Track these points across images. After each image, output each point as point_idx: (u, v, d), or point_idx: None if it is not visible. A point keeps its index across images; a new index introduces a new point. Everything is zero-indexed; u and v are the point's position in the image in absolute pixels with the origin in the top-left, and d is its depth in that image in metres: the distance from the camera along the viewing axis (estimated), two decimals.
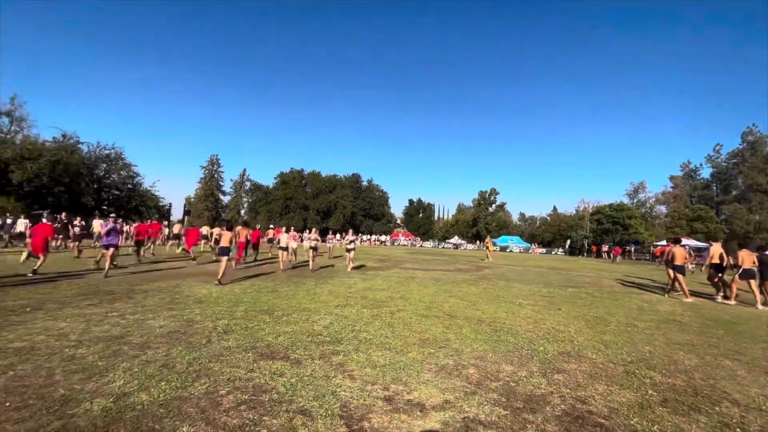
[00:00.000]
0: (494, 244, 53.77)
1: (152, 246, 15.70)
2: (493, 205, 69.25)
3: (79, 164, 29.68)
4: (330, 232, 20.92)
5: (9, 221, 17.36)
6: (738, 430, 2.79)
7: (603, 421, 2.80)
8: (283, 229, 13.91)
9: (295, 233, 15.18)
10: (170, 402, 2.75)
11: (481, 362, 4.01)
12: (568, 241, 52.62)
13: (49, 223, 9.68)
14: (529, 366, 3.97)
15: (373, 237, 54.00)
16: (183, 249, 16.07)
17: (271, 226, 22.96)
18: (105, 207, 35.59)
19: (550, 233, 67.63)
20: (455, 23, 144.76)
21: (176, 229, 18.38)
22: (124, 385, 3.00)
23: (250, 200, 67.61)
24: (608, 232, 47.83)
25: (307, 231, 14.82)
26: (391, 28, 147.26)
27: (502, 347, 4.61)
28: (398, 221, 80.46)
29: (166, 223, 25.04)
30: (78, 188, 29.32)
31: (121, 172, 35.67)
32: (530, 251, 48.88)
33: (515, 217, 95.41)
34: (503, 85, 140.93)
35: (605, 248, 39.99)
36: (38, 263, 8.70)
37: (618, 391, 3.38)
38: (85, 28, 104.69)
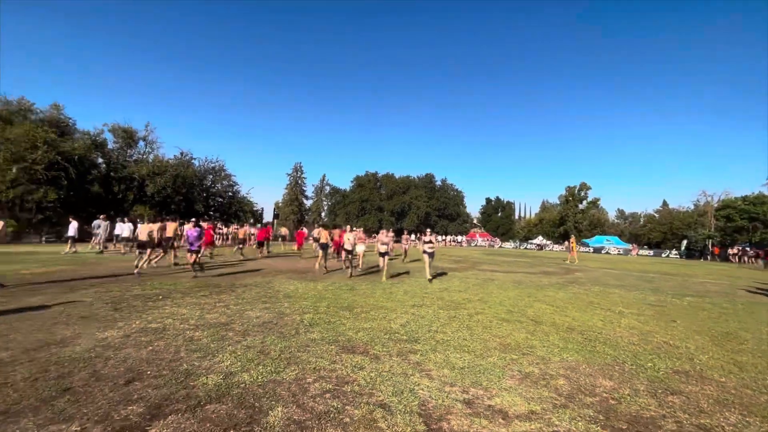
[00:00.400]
0: (586, 245, 48.36)
1: (266, 246, 18.05)
2: (584, 202, 62.07)
3: (193, 177, 35.16)
4: (405, 233, 19.48)
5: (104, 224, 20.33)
6: None
7: None
8: (348, 228, 11.14)
9: (362, 234, 12.53)
10: (267, 384, 3.08)
11: (572, 374, 3.63)
12: (685, 242, 44.43)
13: (211, 226, 12.52)
14: (634, 383, 3.46)
15: (449, 237, 52.93)
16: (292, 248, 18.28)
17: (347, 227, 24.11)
18: (211, 212, 41.68)
19: (659, 232, 58.05)
20: (536, 15, 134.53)
21: (283, 231, 21.19)
22: (230, 365, 3.45)
23: (330, 203, 71.98)
24: (741, 230, 39.10)
25: (381, 232, 11.53)
26: (462, 24, 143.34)
27: (599, 359, 4.10)
28: (475, 221, 77.60)
29: (257, 225, 28.21)
30: (192, 197, 34.81)
31: (224, 181, 41.25)
32: (630, 252, 42.56)
33: (612, 215, 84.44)
34: (594, 71, 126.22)
35: (735, 250, 32.78)
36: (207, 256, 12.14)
37: (759, 424, 2.74)
38: (179, 42, 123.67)
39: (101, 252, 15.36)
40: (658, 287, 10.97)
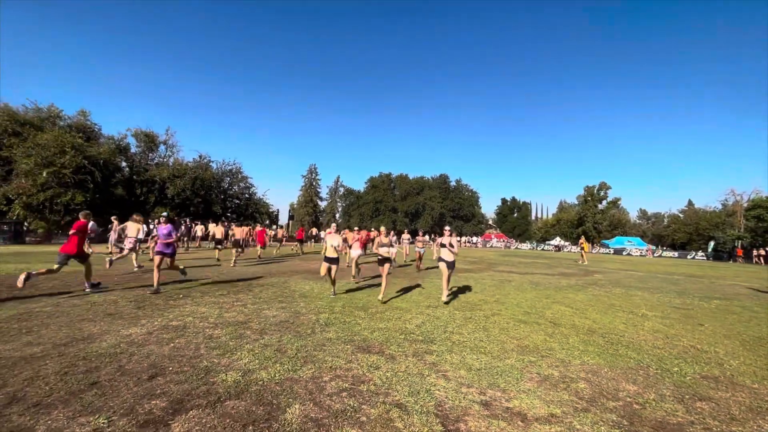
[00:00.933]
0: (606, 246, 46.99)
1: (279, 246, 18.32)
2: (604, 202, 60.37)
3: (211, 179, 35.99)
4: (405, 232, 17.54)
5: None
6: None
7: None
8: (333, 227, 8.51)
9: (360, 234, 10.86)
10: (284, 381, 3.12)
11: (594, 377, 3.53)
12: (712, 243, 42.62)
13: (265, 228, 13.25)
14: (659, 388, 3.33)
15: (464, 239, 52.38)
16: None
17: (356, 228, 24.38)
18: (229, 214, 42.53)
19: (684, 233, 55.91)
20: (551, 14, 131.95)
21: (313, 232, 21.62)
22: (248, 363, 3.51)
23: (344, 205, 72.39)
24: None
25: (380, 231, 7.87)
26: (480, 22, 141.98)
27: (621, 363, 3.98)
28: (490, 222, 76.62)
29: (274, 227, 28.73)
30: (210, 199, 35.64)
31: (240, 183, 42.06)
32: (644, 253, 41.09)
33: (633, 215, 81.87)
34: (614, 70, 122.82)
35: (762, 251, 31.31)
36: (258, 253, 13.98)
37: None
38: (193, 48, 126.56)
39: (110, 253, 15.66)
40: (683, 290, 10.55)
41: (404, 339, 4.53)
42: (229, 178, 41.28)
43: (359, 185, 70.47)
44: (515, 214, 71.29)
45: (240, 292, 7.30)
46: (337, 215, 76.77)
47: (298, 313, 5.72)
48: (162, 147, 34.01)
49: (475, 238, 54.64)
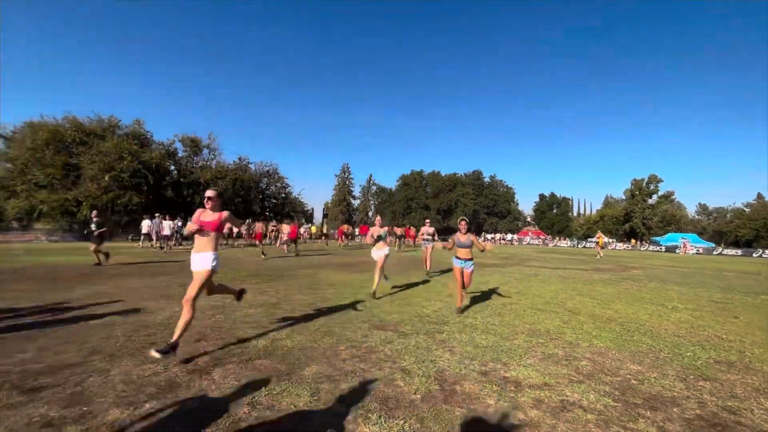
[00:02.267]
0: (657, 244, 43.84)
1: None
2: (654, 196, 56.16)
3: (250, 180, 38.07)
4: (393, 227, 15.24)
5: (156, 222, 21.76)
6: None
7: None
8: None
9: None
10: (305, 348, 3.56)
11: (598, 357, 3.64)
12: None
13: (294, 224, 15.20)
14: (665, 369, 3.39)
15: (498, 236, 51.24)
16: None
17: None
18: (267, 213, 44.72)
19: (750, 229, 50.73)
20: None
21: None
22: (276, 334, 4.00)
23: (376, 203, 73.27)
24: None
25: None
26: (510, 15, 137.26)
27: (632, 347, 4.03)
28: (528, 218, 74.07)
29: (308, 224, 30.02)
30: (249, 198, 37.78)
31: (277, 183, 44.09)
32: (678, 250, 37.70)
33: (692, 210, 75.45)
34: (667, 52, 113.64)
35: None
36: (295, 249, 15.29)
37: None
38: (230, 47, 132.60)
39: (162, 248, 17.06)
40: (729, 285, 9.88)
41: (419, 320, 4.85)
42: (266, 179, 43.35)
43: (391, 183, 71.05)
44: (554, 210, 68.37)
45: (273, 281, 7.95)
46: (370, 213, 77.89)
47: (325, 298, 6.21)
48: (205, 151, 36.46)
49: (509, 235, 53.18)
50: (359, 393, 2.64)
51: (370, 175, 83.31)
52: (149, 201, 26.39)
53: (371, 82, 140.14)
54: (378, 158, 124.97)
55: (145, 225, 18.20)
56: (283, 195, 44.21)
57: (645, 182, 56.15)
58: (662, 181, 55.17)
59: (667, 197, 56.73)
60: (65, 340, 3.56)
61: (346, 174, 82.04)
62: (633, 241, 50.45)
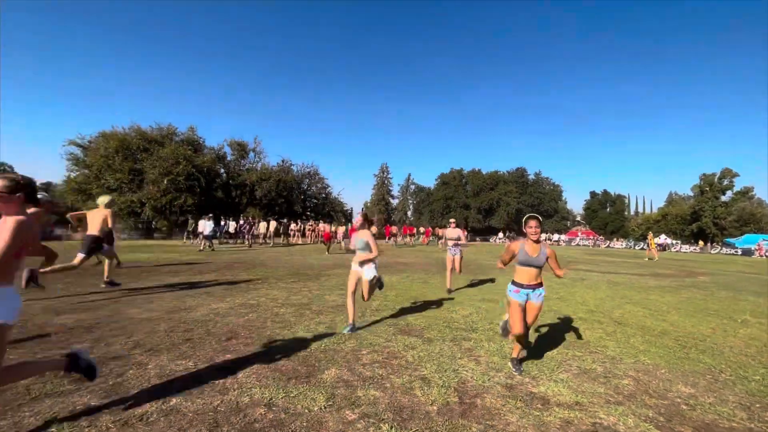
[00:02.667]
0: (733, 246, 39.07)
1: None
2: (729, 192, 49.97)
3: (292, 181, 39.62)
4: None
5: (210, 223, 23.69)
6: None
7: None
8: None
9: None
10: (327, 351, 3.60)
11: (644, 376, 3.29)
12: None
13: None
14: (724, 394, 2.98)
15: (543, 236, 48.59)
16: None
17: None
18: (309, 213, 46.28)
19: None
20: None
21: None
22: (303, 335, 4.10)
23: (414, 202, 72.84)
24: None
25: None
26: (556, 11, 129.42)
27: (686, 366, 3.59)
28: (578, 218, 69.58)
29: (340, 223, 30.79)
30: (291, 199, 39.37)
31: (318, 184, 45.45)
32: (755, 253, 32.73)
33: None
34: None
35: None
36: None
37: None
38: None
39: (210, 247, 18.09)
40: None
41: (446, 326, 4.71)
42: (307, 180, 44.86)
43: (431, 182, 70.22)
44: (608, 209, 63.56)
45: (308, 280, 8.18)
46: (409, 213, 77.69)
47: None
48: (251, 154, 38.50)
49: (557, 236, 50.27)
50: (375, 401, 2.61)
51: (409, 175, 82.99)
52: (201, 202, 28.43)
53: (410, 81, 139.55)
54: (418, 158, 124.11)
55: (201, 225, 19.60)
56: (324, 195, 45.45)
57: (717, 177, 50.20)
58: (738, 175, 48.94)
59: (745, 193, 50.28)
60: (115, 334, 3.92)
61: (385, 174, 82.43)
62: (701, 242, 45.33)
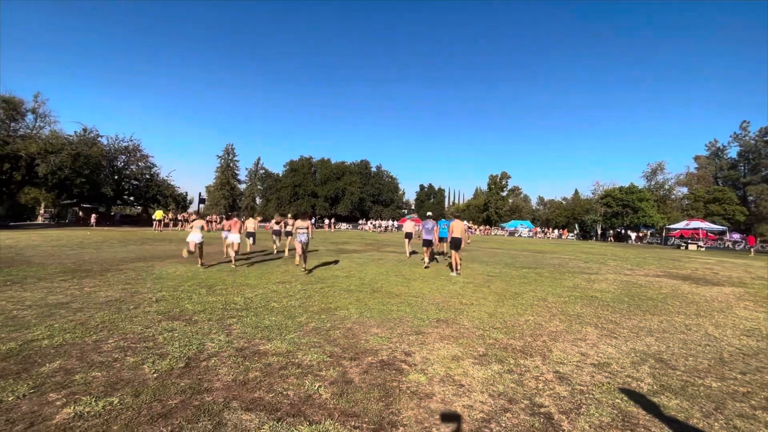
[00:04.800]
0: (503, 228, 53.56)
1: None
2: (505, 189, 68.18)
3: (99, 156, 31.33)
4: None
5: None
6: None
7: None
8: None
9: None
10: (64, 345, 3.54)
11: (357, 327, 4.62)
12: (577, 225, 51.74)
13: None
14: (400, 329, 4.55)
15: (377, 222, 54.68)
16: None
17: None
18: (125, 197, 37.88)
19: (564, 217, 66.28)
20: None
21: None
22: (41, 333, 3.81)
23: (262, 188, 69.43)
24: (618, 215, 46.57)
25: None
26: (398, 25, 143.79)
27: (389, 316, 5.19)
28: (412, 207, 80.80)
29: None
30: (98, 179, 31.37)
31: (139, 163, 37.60)
32: (530, 234, 48.40)
33: (535, 202, 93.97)
34: (520, 65, 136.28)
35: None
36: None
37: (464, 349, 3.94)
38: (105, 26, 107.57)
39: None
40: (512, 262, 13.16)
41: (222, 309, 5.18)
42: (125, 156, 36.67)
43: (281, 169, 68.04)
44: (431, 200, 76.38)
45: (88, 277, 7.14)
46: (257, 199, 73.32)
47: (277, 290, 5.96)
48: (30, 116, 28.54)
49: (386, 223, 57.26)
50: (91, 381, 2.86)
51: (258, 158, 78.23)
52: None
53: (263, 66, 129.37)
54: (268, 143, 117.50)
55: None
56: (148, 176, 38.12)
57: (498, 178, 67.58)
58: (510, 177, 67.31)
59: (514, 191, 69.64)
60: None
61: (230, 155, 75.08)
62: (487, 226, 60.46)
